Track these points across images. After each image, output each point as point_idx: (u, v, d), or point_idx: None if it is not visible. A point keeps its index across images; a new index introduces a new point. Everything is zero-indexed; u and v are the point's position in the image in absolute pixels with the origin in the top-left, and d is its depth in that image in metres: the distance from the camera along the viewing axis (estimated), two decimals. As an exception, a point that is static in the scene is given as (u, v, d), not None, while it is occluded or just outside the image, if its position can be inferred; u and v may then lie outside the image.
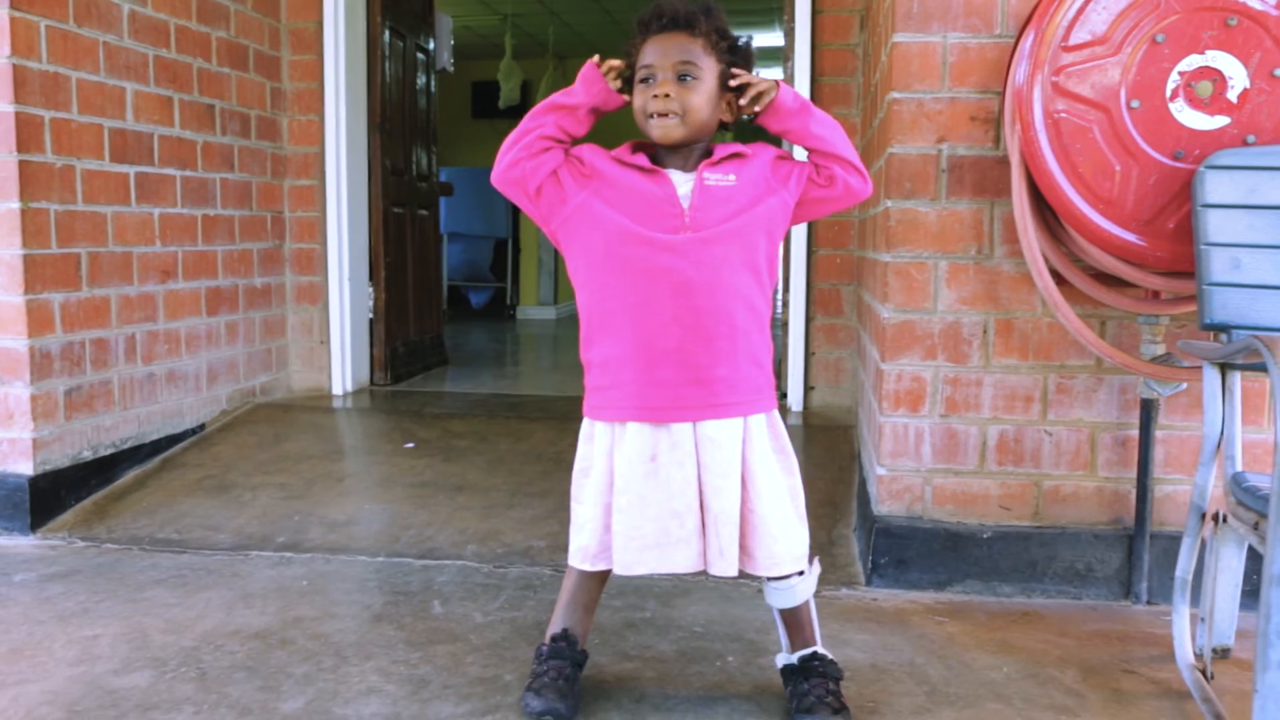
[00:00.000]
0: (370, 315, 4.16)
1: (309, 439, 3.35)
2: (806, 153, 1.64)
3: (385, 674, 1.79)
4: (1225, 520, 1.70)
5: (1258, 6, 1.86)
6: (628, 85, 1.62)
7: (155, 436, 3.11)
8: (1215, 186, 1.77)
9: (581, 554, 1.66)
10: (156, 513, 2.72)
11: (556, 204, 1.62)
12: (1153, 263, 1.95)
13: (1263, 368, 1.52)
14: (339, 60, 3.83)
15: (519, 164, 1.60)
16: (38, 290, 2.62)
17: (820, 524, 2.57)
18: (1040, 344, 2.21)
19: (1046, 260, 2.05)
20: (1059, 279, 2.08)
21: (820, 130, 1.60)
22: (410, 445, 3.29)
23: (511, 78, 8.27)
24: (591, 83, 1.61)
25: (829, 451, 3.11)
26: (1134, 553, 2.18)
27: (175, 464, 3.08)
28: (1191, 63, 1.89)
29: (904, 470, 2.27)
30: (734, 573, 1.59)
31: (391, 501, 2.80)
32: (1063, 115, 1.93)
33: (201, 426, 3.35)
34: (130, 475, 2.96)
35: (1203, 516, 1.77)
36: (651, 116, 1.56)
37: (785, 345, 3.67)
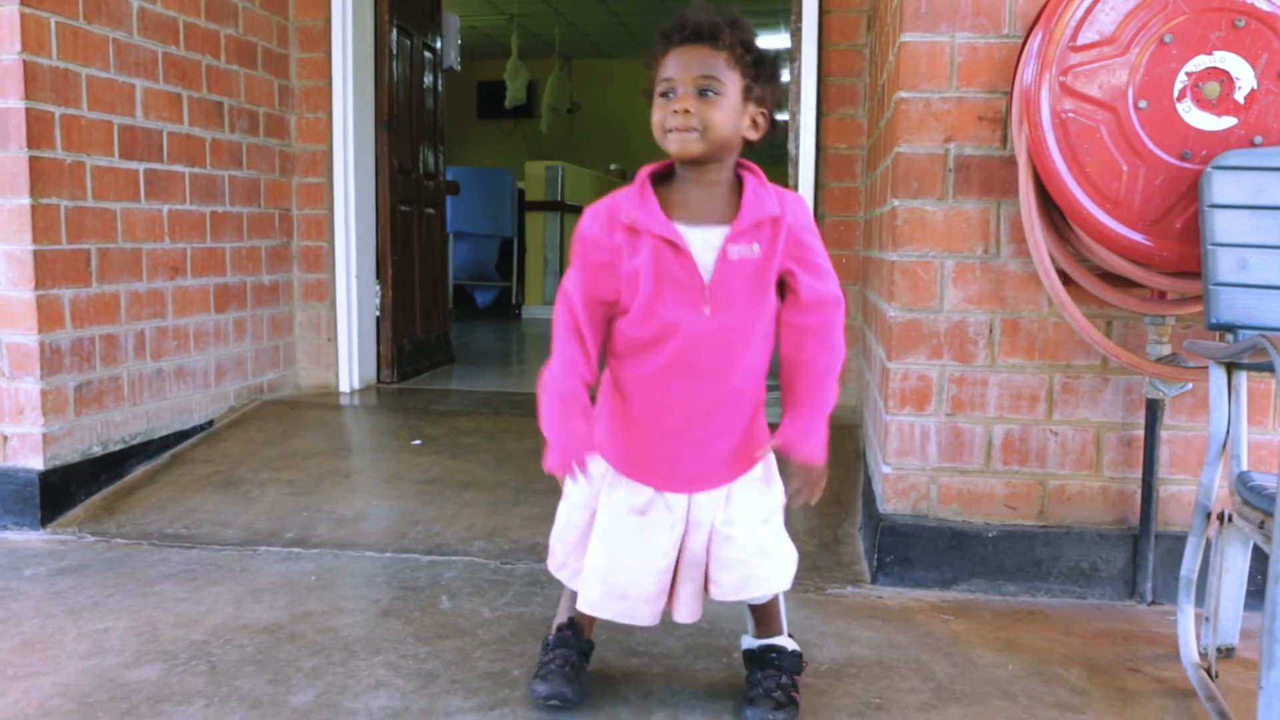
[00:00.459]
0: (377, 313, 4.18)
1: (317, 435, 3.36)
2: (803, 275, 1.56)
3: (394, 668, 1.80)
4: (1230, 520, 1.71)
5: (1265, 8, 1.87)
6: (647, 98, 1.55)
7: (164, 432, 3.13)
8: (1222, 187, 1.78)
9: (551, 557, 1.71)
10: (166, 508, 2.74)
11: (617, 281, 1.54)
12: (1159, 262, 1.96)
13: (1269, 367, 1.52)
14: (347, 58, 3.84)
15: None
16: (48, 286, 2.64)
17: (825, 522, 2.58)
18: (1046, 343, 2.22)
19: (1053, 260, 2.06)
20: (1065, 279, 2.08)
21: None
22: (417, 442, 3.30)
23: (517, 78, 8.29)
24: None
25: (834, 450, 3.07)
26: (1139, 552, 2.19)
27: (184, 460, 3.09)
28: (1199, 63, 1.89)
29: (909, 469, 2.28)
30: (696, 618, 1.62)
31: (399, 498, 2.81)
32: (1070, 115, 1.93)
33: (210, 423, 3.36)
34: (140, 471, 2.98)
35: (1208, 516, 1.77)
36: (670, 131, 1.48)
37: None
